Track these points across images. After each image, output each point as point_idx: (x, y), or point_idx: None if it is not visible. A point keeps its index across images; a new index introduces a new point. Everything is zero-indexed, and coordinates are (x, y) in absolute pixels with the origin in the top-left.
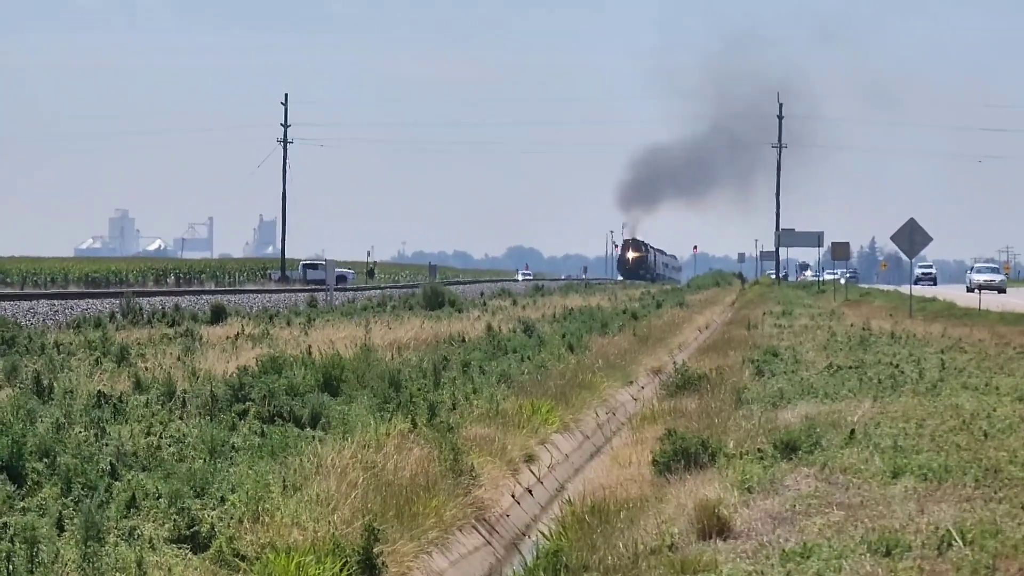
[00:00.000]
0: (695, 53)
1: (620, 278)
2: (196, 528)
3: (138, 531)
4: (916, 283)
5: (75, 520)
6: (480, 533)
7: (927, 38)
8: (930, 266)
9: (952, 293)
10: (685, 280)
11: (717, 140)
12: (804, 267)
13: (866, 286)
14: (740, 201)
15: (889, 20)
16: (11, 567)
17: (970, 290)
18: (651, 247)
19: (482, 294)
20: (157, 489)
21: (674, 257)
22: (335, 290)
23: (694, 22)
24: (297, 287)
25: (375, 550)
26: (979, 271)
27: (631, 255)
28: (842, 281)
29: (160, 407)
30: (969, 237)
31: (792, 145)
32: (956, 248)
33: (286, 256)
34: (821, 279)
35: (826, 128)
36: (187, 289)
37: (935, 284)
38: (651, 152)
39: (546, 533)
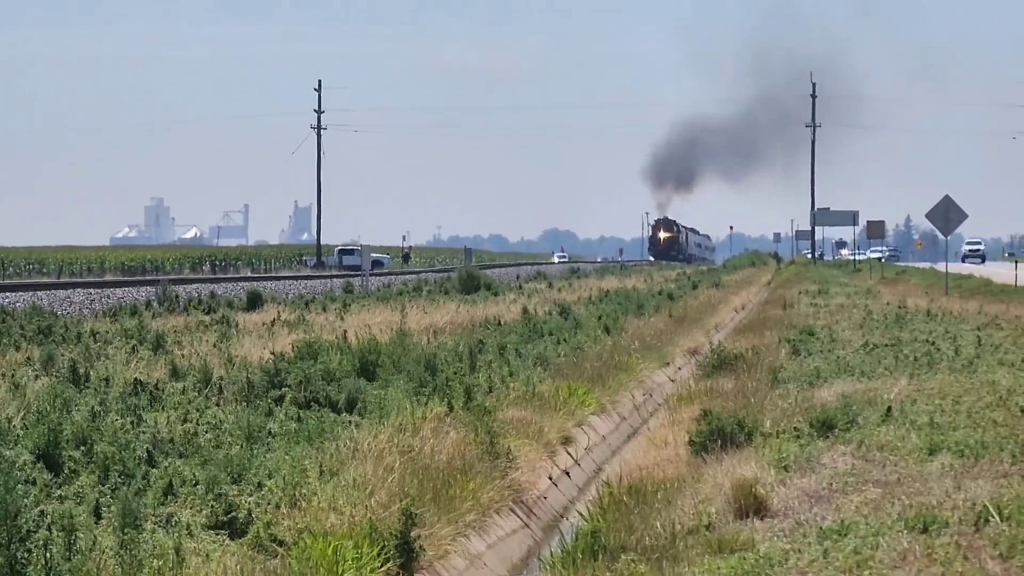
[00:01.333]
0: (731, 28)
1: (652, 259)
2: (233, 514)
3: (175, 518)
4: (964, 260)
5: (112, 507)
6: (518, 515)
7: (966, 14)
8: (979, 243)
9: (997, 271)
10: (720, 261)
11: (755, 118)
12: (841, 245)
13: (903, 264)
14: (779, 180)
15: None
16: (49, 555)
17: None
18: (683, 227)
19: (518, 277)
20: (194, 475)
21: (707, 237)
22: (371, 275)
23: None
24: (333, 273)
25: (412, 534)
26: None
27: (662, 235)
28: (882, 260)
29: (196, 394)
30: (1005, 214)
31: (828, 124)
32: (992, 226)
33: (321, 242)
34: (858, 258)
35: (862, 106)
36: (223, 276)
37: (983, 261)
38: (686, 128)
39: (584, 514)
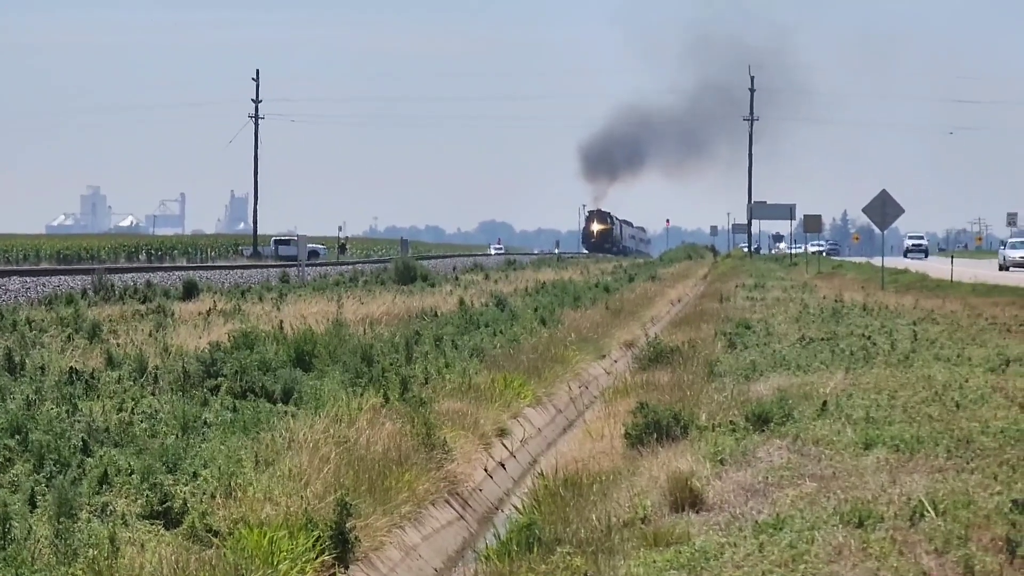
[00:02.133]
0: (672, 14)
1: (586, 252)
2: (169, 504)
3: (111, 507)
4: (906, 255)
5: (47, 496)
6: (453, 507)
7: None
8: (921, 237)
9: (933, 265)
10: (656, 254)
11: (698, 108)
12: (779, 239)
13: (839, 259)
14: (720, 172)
15: None
16: None
17: (1003, 268)
18: (617, 219)
19: (454, 268)
20: (129, 465)
21: (642, 229)
22: (307, 266)
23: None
24: (269, 263)
25: (348, 525)
26: (1015, 247)
27: (596, 227)
28: (824, 254)
29: (132, 383)
30: (942, 209)
31: (770, 117)
32: (928, 221)
33: (258, 232)
34: (795, 252)
35: (803, 99)
36: (159, 265)
37: (926, 256)
38: (624, 116)
39: (519, 507)
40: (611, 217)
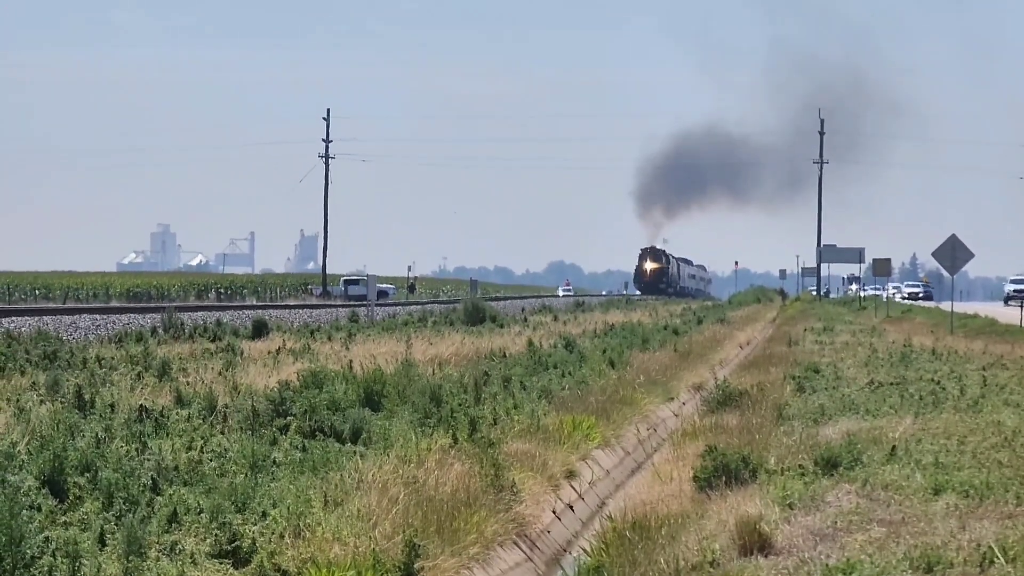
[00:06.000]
0: (744, 56)
1: (638, 293)
2: (237, 543)
3: (179, 546)
4: (1007, 302)
5: (117, 535)
6: (521, 549)
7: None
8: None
9: (1000, 311)
10: (719, 294)
11: (762, 149)
12: (853, 280)
13: (909, 303)
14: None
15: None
16: None
17: None
18: (673, 256)
19: (523, 309)
20: (199, 504)
21: (703, 267)
22: (376, 305)
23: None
24: (338, 302)
25: (416, 565)
26: None
27: (649, 266)
28: (921, 295)
29: (201, 421)
30: (1009, 253)
31: (836, 161)
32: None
33: (327, 271)
34: (881, 294)
35: (869, 144)
36: (229, 304)
37: None
38: (687, 145)
39: (587, 549)
40: (666, 255)
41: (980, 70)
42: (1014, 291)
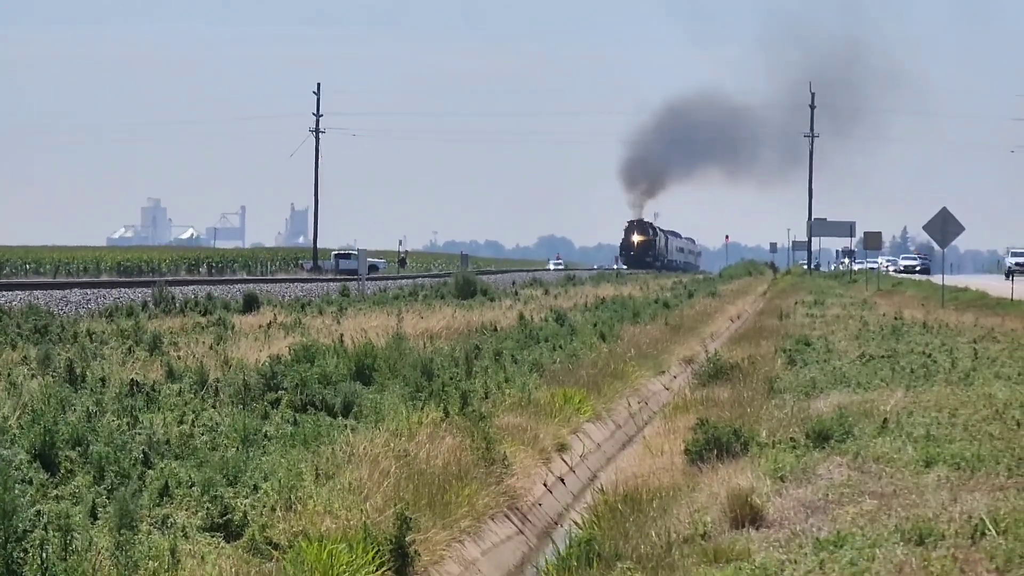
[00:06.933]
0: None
1: (624, 267)
2: (229, 516)
3: (171, 519)
4: (1009, 275)
5: (108, 508)
6: (512, 522)
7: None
8: None
9: (997, 285)
10: (707, 268)
11: (756, 122)
12: (847, 254)
13: (899, 276)
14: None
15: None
16: (45, 555)
17: None
18: (660, 229)
19: (514, 283)
20: (190, 477)
21: (691, 240)
22: (367, 279)
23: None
24: (329, 276)
25: (407, 538)
26: None
27: (636, 238)
28: (918, 269)
29: (193, 395)
30: (1002, 227)
31: (829, 136)
32: (989, 238)
33: (318, 246)
34: (873, 268)
35: (863, 118)
36: (219, 278)
37: None
38: (679, 114)
39: (579, 522)
40: (653, 228)
41: (974, 43)
42: (1016, 264)
